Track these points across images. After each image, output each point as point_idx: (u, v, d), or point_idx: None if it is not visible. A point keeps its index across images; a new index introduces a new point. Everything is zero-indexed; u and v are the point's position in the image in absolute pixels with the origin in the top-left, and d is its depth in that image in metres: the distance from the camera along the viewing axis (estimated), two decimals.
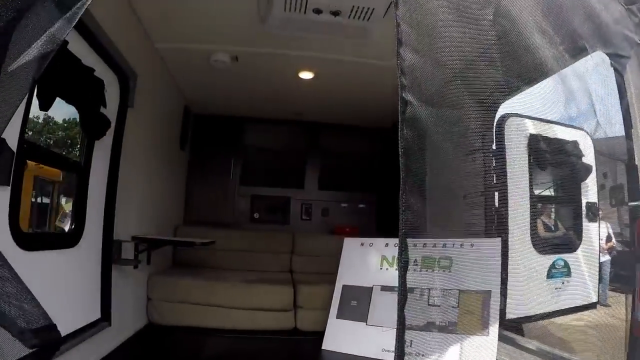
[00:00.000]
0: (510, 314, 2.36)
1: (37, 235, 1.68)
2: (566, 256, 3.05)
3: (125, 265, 2.46)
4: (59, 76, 1.68)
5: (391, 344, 2.29)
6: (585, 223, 3.32)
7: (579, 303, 3.10)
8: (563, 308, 2.96)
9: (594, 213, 3.39)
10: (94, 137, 2.00)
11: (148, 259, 2.89)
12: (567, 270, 3.01)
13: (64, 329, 1.83)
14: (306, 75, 3.34)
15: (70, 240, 1.89)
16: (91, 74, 1.92)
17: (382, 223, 4.47)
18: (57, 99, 1.76)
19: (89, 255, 2.06)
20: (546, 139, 3.04)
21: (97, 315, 2.18)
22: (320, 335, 2.71)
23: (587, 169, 3.38)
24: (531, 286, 2.83)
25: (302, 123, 4.53)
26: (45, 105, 1.58)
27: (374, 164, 4.77)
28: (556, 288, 2.94)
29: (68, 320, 1.87)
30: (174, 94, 3.66)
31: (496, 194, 2.66)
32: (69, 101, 1.82)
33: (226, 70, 3.22)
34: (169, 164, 3.62)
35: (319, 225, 4.48)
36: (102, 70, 2.09)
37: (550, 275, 2.94)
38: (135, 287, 2.73)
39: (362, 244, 2.80)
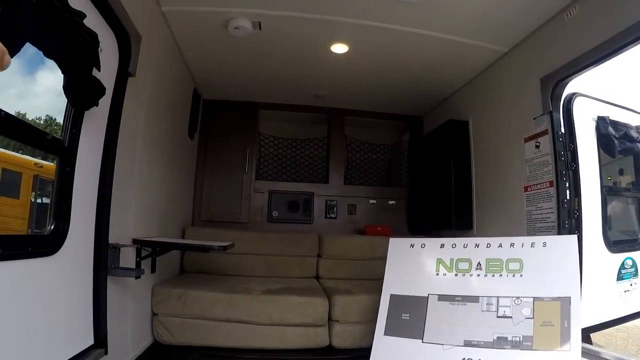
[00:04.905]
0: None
1: None
2: (634, 254, 2.77)
3: (123, 277, 1.95)
4: (34, 13, 1.18)
5: None
6: None
7: None
8: (633, 312, 2.70)
9: None
10: (83, 107, 1.49)
11: (152, 266, 2.39)
12: (634, 270, 2.76)
13: None
14: (339, 48, 2.83)
15: (48, 245, 1.37)
16: (81, 20, 1.41)
17: (414, 222, 3.97)
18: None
19: (76, 264, 1.54)
20: (613, 123, 2.75)
21: (89, 341, 1.68)
22: (358, 353, 2.34)
23: None
24: (603, 290, 2.56)
25: (325, 109, 4.02)
26: (9, 47, 1.08)
27: (403, 155, 4.28)
28: (625, 291, 2.69)
29: (49, 353, 1.38)
30: (183, 72, 3.14)
31: (567, 183, 2.32)
32: (47, 53, 1.31)
33: (245, 42, 2.72)
34: (177, 153, 3.09)
35: (345, 225, 3.96)
36: (95, 23, 1.59)
37: (619, 277, 2.68)
38: (137, 300, 2.22)
39: (412, 245, 2.36)
